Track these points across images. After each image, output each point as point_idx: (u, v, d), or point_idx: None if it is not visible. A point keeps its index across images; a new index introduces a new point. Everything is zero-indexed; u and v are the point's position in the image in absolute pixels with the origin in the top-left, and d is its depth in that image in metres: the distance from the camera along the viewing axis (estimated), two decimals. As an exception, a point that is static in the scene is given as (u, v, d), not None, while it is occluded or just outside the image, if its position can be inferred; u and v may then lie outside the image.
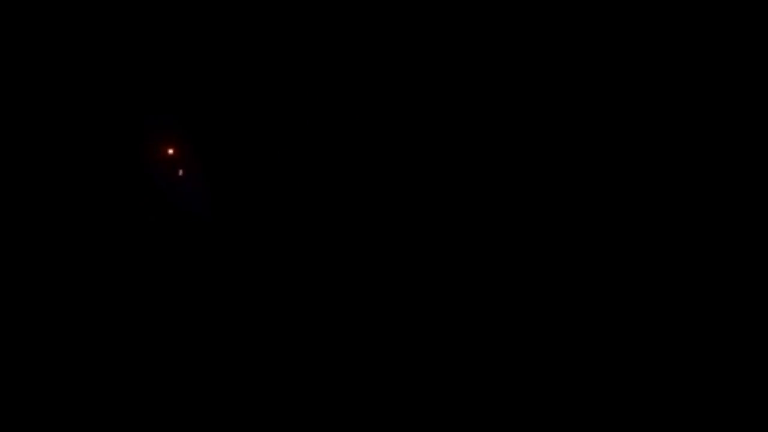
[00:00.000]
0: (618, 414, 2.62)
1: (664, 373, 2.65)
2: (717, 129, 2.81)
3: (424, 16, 2.92)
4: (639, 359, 2.69)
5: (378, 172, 2.95)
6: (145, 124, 2.95)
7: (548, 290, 2.80)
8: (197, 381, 2.70)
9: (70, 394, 2.65)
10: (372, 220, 2.92)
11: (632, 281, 2.78)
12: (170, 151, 2.95)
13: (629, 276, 2.78)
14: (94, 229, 2.88)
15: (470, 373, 2.72)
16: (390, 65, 2.96)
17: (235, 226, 2.93)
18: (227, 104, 2.99)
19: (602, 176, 2.85)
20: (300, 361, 2.75)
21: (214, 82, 2.98)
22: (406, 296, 2.83)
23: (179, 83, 2.97)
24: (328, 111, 2.98)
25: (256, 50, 2.97)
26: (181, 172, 2.95)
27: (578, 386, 2.67)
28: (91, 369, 2.70)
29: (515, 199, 2.88)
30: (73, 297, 2.80)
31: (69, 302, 2.79)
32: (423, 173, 2.94)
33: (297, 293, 2.85)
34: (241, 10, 2.95)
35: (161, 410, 2.64)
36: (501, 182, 2.89)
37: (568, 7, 2.86)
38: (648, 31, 2.85)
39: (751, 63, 2.79)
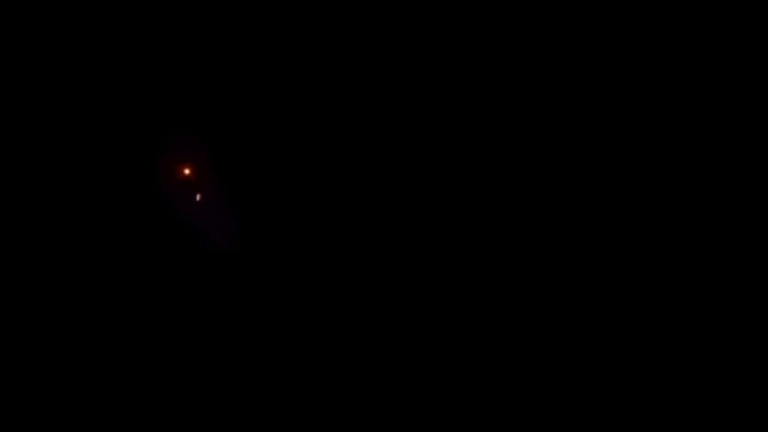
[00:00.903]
0: (618, 414, 2.64)
1: (664, 373, 2.67)
2: (717, 129, 2.80)
3: (426, 17, 2.89)
4: (638, 359, 2.70)
5: (401, 197, 2.93)
6: (162, 145, 2.89)
7: (547, 290, 2.82)
8: (212, 406, 2.72)
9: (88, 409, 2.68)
10: (394, 250, 2.90)
11: (631, 280, 2.79)
12: (187, 172, 2.93)
13: (628, 275, 2.79)
14: (107, 255, 2.84)
15: (470, 372, 2.74)
16: (408, 81, 2.94)
17: (256, 254, 2.87)
18: (246, 124, 2.94)
19: (601, 176, 2.85)
20: (317, 382, 2.76)
21: (234, 101, 2.93)
22: (421, 307, 2.84)
23: (197, 103, 2.92)
24: (349, 135, 2.94)
25: (275, 70, 2.93)
26: (198, 196, 2.91)
27: (578, 386, 2.69)
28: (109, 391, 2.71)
29: (514, 198, 2.88)
30: (84, 323, 2.78)
31: (81, 327, 2.78)
32: (445, 192, 2.92)
33: (316, 317, 2.84)
34: (266, 32, 2.91)
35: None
36: (501, 182, 2.89)
37: (568, 7, 2.84)
38: (648, 31, 2.82)
39: (751, 63, 2.78)
